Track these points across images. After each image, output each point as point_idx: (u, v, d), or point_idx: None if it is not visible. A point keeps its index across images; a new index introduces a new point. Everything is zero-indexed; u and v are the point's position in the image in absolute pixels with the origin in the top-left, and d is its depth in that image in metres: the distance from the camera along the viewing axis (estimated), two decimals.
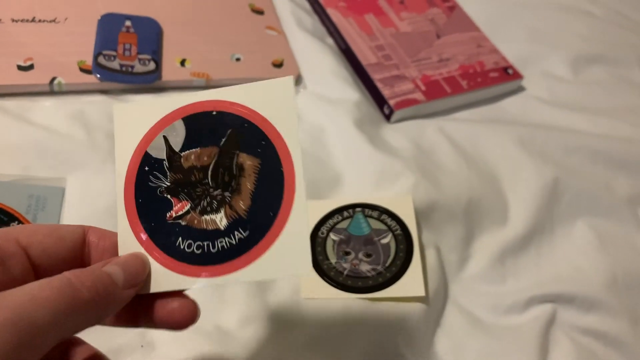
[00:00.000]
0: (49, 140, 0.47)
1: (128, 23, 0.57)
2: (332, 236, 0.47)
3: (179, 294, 0.27)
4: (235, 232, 0.27)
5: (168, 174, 0.28)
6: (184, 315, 0.26)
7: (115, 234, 0.28)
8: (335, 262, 0.46)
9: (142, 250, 0.28)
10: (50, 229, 0.27)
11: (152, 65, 0.55)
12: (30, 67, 0.52)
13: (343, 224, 0.48)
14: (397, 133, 0.56)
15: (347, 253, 0.46)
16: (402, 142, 0.55)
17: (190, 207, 0.28)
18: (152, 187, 0.28)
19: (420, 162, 0.53)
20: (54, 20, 0.56)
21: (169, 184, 0.28)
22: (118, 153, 0.29)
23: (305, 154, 0.53)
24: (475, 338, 0.46)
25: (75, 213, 0.44)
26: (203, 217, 0.27)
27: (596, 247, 0.51)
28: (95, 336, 0.39)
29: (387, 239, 0.47)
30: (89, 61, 0.53)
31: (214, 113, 0.28)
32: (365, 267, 0.45)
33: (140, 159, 0.29)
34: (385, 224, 0.48)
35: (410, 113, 0.58)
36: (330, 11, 0.65)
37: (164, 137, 0.29)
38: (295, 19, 0.64)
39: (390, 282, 0.44)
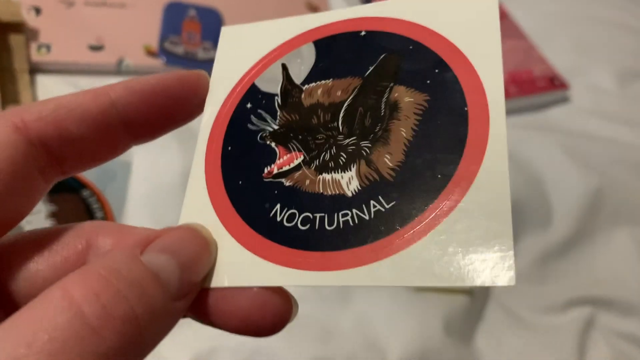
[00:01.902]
0: None
1: (192, 12, 0.60)
2: None
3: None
4: (371, 202, 0.17)
5: (278, 113, 0.20)
6: (262, 317, 0.16)
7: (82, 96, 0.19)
8: None
9: (214, 218, 0.18)
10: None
11: (213, 53, 0.57)
12: (101, 47, 0.54)
13: None
14: None
15: None
16: None
17: (303, 160, 0.18)
18: (251, 131, 0.20)
19: None
20: (122, 5, 0.59)
21: (276, 127, 0.19)
22: (214, 84, 0.21)
23: None
24: (515, 334, 0.47)
25: (141, 187, 0.46)
26: (320, 177, 0.18)
27: (636, 256, 0.52)
28: None
29: None
30: (154, 45, 0.56)
31: (363, 34, 0.20)
32: None
33: (244, 92, 0.20)
34: None
35: None
36: None
37: (283, 64, 0.20)
38: None
39: None
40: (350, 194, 0.17)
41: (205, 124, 0.20)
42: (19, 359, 0.12)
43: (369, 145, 0.18)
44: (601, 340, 0.48)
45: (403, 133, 0.17)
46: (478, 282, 0.15)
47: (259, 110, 0.20)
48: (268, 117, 0.20)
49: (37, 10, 0.55)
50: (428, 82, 0.18)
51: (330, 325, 0.43)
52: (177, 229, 0.17)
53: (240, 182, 0.19)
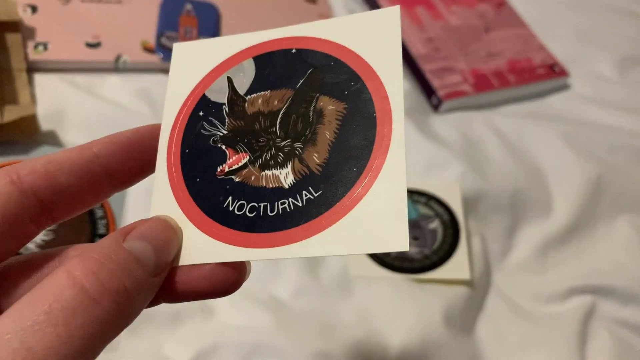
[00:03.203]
0: (116, 115, 0.50)
1: (189, 7, 0.59)
2: None
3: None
4: (304, 192, 0.21)
5: (226, 120, 0.23)
6: (220, 280, 0.21)
7: (70, 153, 0.22)
8: None
9: (178, 211, 0.22)
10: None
11: None
12: (98, 44, 0.54)
13: None
14: (444, 123, 0.58)
15: None
16: (450, 133, 0.57)
17: (249, 160, 0.22)
18: (204, 136, 0.23)
19: (467, 153, 0.54)
20: (119, 2, 0.59)
21: (225, 132, 0.23)
22: (170, 95, 0.24)
23: None
24: (516, 324, 0.47)
25: (140, 185, 0.46)
26: (263, 173, 0.22)
27: (637, 244, 0.52)
28: None
29: (434, 224, 0.49)
30: (151, 41, 0.56)
31: (293, 51, 0.23)
32: (412, 250, 0.47)
33: (196, 102, 0.24)
34: (433, 209, 0.49)
35: (457, 104, 0.59)
36: (382, 2, 0.66)
37: (228, 77, 0.24)
38: (347, 9, 0.66)
39: (437, 265, 0.46)
40: (287, 186, 0.21)
41: (164, 131, 0.24)
42: (41, 323, 0.16)
43: (301, 146, 0.22)
44: (602, 328, 0.48)
45: (327, 135, 0.22)
46: (380, 249, 0.19)
47: (210, 118, 0.23)
48: (218, 124, 0.23)
49: (33, 9, 0.54)
50: (346, 92, 0.22)
51: (332, 319, 0.43)
52: (150, 219, 0.21)
53: (197, 180, 0.22)
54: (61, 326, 0.16)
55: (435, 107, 0.59)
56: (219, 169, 0.22)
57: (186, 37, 0.56)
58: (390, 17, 0.22)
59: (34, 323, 0.16)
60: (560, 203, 0.53)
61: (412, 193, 0.50)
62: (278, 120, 0.22)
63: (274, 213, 0.21)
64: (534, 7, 0.71)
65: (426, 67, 0.60)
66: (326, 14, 0.65)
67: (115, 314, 0.17)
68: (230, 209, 0.21)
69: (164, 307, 0.44)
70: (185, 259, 0.21)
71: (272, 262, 0.45)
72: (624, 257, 0.52)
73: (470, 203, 0.51)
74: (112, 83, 0.53)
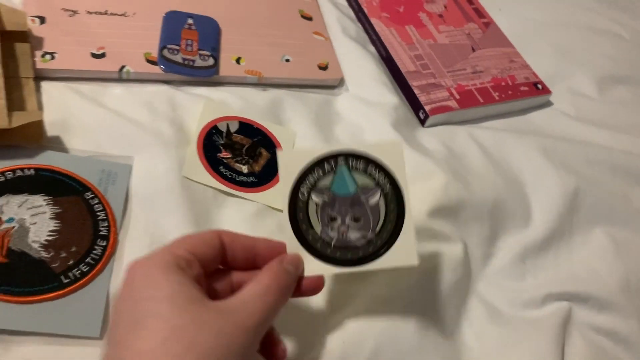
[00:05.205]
0: (118, 123, 0.52)
1: (190, 21, 0.62)
2: (315, 198, 0.41)
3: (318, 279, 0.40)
4: (250, 177, 0.54)
5: (224, 139, 0.55)
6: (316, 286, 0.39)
7: (242, 237, 0.38)
8: (321, 231, 0.40)
9: (203, 170, 0.52)
10: (202, 239, 0.36)
11: (211, 61, 0.60)
12: (102, 55, 0.57)
13: (325, 182, 0.41)
14: (430, 136, 0.61)
15: (333, 219, 0.40)
16: (435, 145, 0.59)
17: (231, 156, 0.54)
18: (213, 140, 0.55)
19: (451, 164, 0.57)
20: (123, 14, 0.61)
21: (223, 143, 0.55)
22: (198, 123, 0.55)
23: None
24: (495, 327, 0.49)
25: (141, 190, 0.49)
26: (236, 164, 0.54)
27: (612, 253, 0.55)
28: None
29: (376, 197, 0.41)
30: (154, 53, 0.58)
31: (255, 127, 0.57)
32: (354, 235, 0.40)
33: (211, 126, 0.55)
34: (373, 178, 0.41)
35: (443, 119, 0.62)
36: (374, 21, 0.69)
37: (227, 123, 0.56)
38: (340, 27, 0.69)
39: (381, 251, 0.40)
40: (244, 172, 0.54)
41: (194, 137, 0.53)
42: (265, 292, 0.35)
43: (252, 161, 0.55)
44: (577, 333, 0.50)
45: (262, 162, 0.56)
46: (271, 205, 0.53)
47: (216, 134, 0.55)
48: (220, 138, 0.55)
49: (42, 20, 0.57)
50: (271, 150, 0.56)
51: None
52: (292, 255, 0.39)
53: (209, 154, 0.53)
54: (273, 296, 0.35)
55: (422, 122, 0.62)
56: (219, 155, 0.54)
57: (187, 51, 0.59)
58: (291, 134, 0.58)
59: (264, 291, 0.35)
60: (539, 213, 0.56)
61: (347, 157, 0.41)
62: (245, 148, 0.55)
63: (238, 180, 0.53)
64: (518, 26, 0.74)
65: (414, 83, 0.63)
66: (321, 31, 0.68)
67: (284, 299, 0.36)
68: (222, 171, 0.53)
69: None
70: (186, 173, 0.51)
71: None
72: (599, 266, 0.55)
73: (453, 211, 0.53)
74: (116, 92, 0.55)
